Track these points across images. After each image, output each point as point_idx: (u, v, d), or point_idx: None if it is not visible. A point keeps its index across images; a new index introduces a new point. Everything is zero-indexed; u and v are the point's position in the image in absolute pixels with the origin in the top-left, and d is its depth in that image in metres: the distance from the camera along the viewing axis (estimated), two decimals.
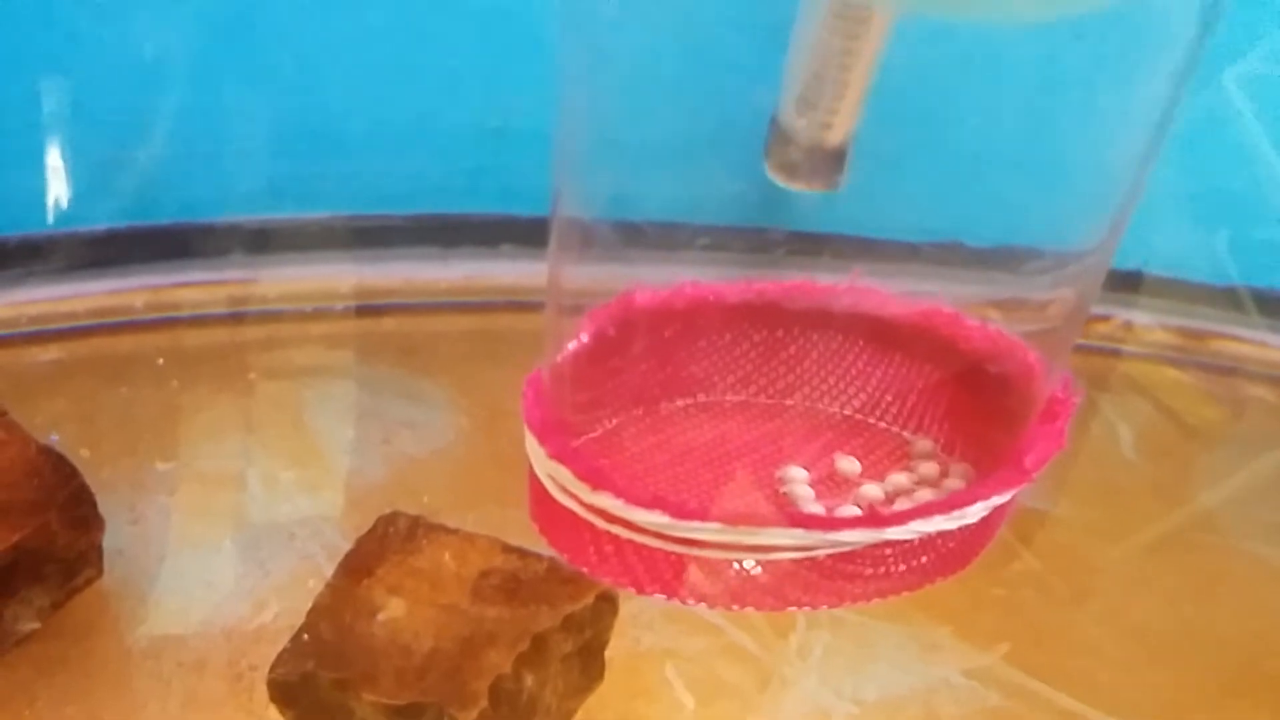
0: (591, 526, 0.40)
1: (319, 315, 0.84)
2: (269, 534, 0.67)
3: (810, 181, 0.63)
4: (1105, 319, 0.91)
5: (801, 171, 0.60)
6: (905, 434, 0.48)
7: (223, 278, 0.84)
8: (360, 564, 0.59)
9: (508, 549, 0.61)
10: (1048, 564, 0.71)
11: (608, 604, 0.61)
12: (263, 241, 0.85)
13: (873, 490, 0.44)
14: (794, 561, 0.39)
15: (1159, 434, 0.83)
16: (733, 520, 0.39)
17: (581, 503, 0.40)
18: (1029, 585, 0.70)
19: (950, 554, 0.42)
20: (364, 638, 0.55)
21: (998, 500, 0.42)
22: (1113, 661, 0.66)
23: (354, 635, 0.55)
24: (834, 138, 0.49)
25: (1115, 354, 0.90)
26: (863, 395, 0.49)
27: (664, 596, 0.40)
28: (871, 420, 0.48)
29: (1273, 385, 0.88)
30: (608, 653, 0.62)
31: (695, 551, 0.39)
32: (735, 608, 0.40)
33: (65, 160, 0.80)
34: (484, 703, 0.53)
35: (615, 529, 0.40)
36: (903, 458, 0.47)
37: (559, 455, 0.40)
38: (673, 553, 0.39)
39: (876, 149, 0.44)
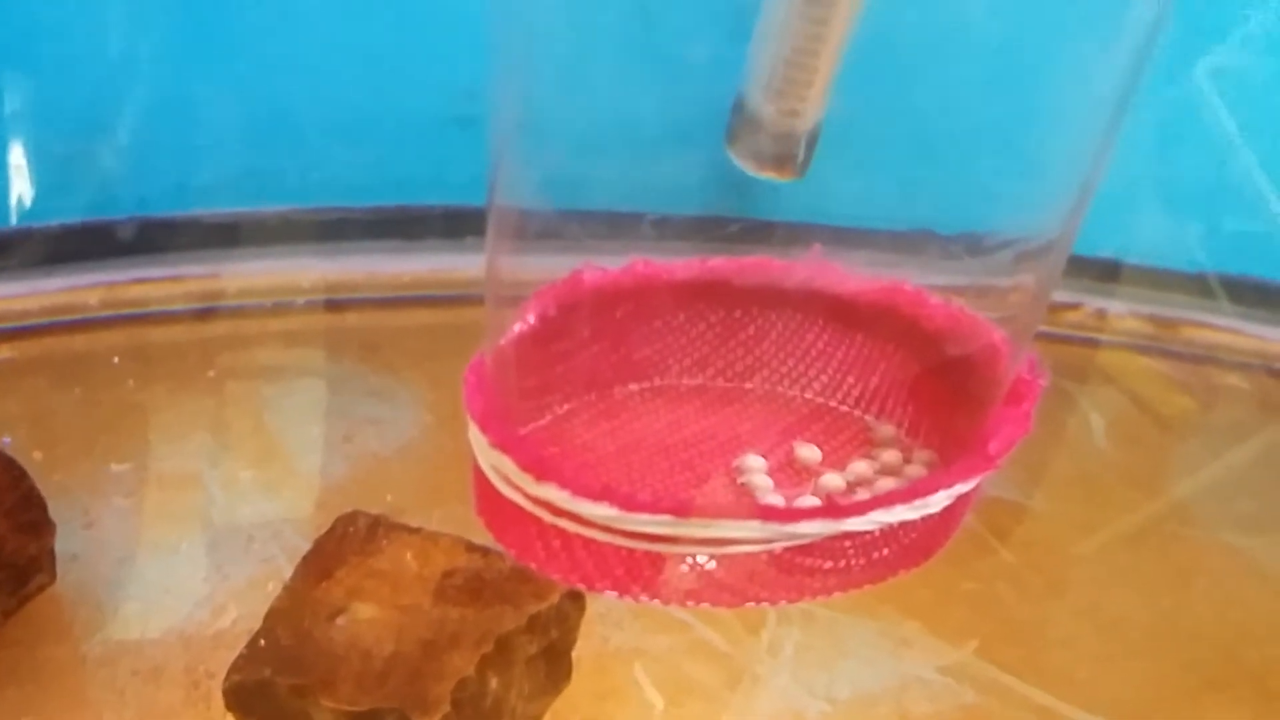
0: (538, 520, 0.38)
1: (280, 311, 0.82)
2: (228, 537, 0.66)
3: (778, 169, 0.62)
4: (1076, 307, 0.90)
5: (769, 159, 0.58)
6: (868, 418, 0.46)
7: (181, 274, 0.83)
8: (319, 566, 0.58)
9: (471, 548, 0.59)
10: (1021, 557, 0.70)
11: (574, 603, 0.60)
12: (222, 236, 0.83)
13: (833, 480, 0.43)
14: (751, 555, 0.38)
15: (1132, 423, 0.82)
16: (685, 512, 0.37)
17: (526, 495, 0.38)
18: (1002, 578, 0.69)
19: (913, 545, 0.40)
20: (322, 642, 0.54)
21: (961, 488, 0.40)
22: (1088, 655, 0.65)
23: (312, 640, 0.54)
24: (802, 124, 0.47)
25: (1087, 342, 0.90)
26: (824, 378, 0.47)
27: (615, 594, 0.38)
28: (833, 404, 0.47)
29: (1244, 373, 0.88)
30: (575, 652, 0.61)
31: (647, 545, 0.38)
32: (690, 604, 0.38)
33: (18, 157, 0.79)
34: (446, 707, 0.52)
35: (562, 522, 0.38)
36: (865, 444, 0.45)
37: (502, 444, 0.39)
38: (623, 547, 0.38)
39: (831, 134, 0.43)
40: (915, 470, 0.43)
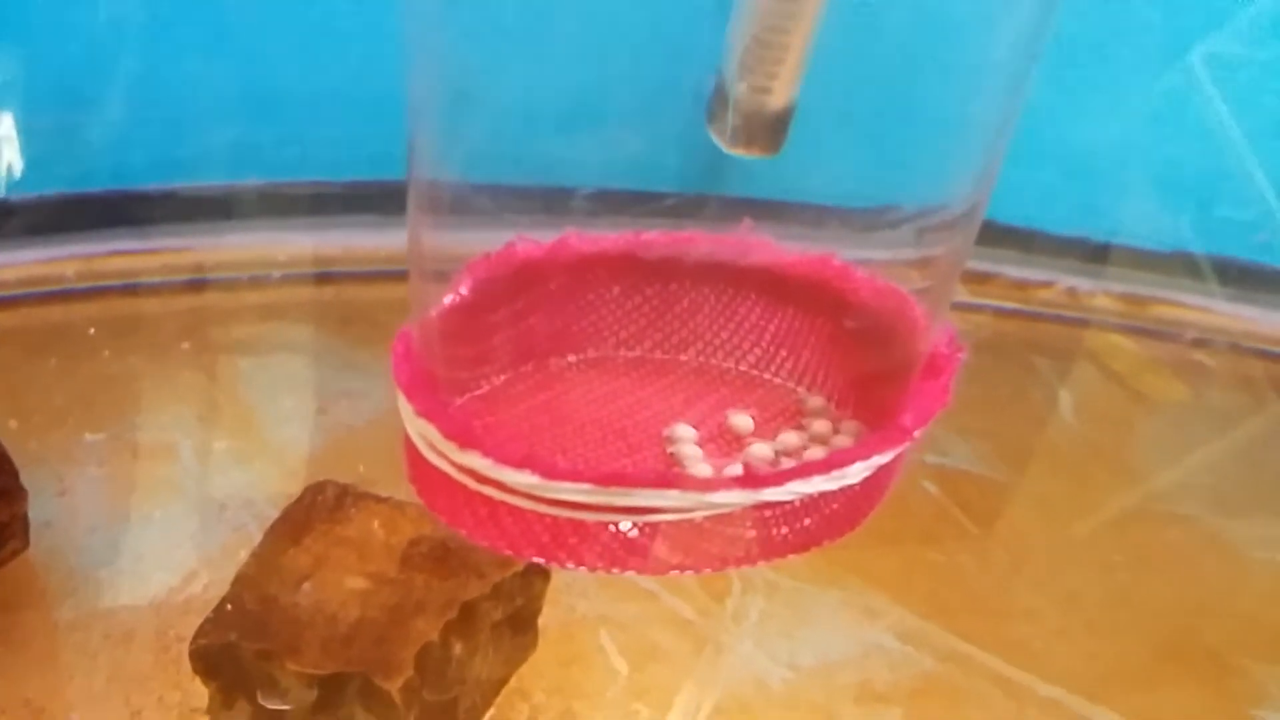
0: (464, 488, 0.39)
1: (256, 284, 0.83)
2: (200, 506, 0.67)
3: (749, 147, 0.63)
4: (1049, 285, 0.91)
5: (740, 137, 0.59)
6: (799, 390, 0.47)
7: (158, 247, 0.83)
8: (286, 533, 0.58)
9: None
10: (986, 530, 0.71)
11: (539, 572, 0.61)
12: (198, 209, 0.83)
13: (762, 449, 0.43)
14: (674, 524, 0.38)
15: (1101, 400, 0.83)
16: (604, 481, 0.38)
17: (452, 463, 0.39)
18: (966, 551, 0.70)
19: (836, 516, 0.41)
20: (288, 608, 0.55)
21: (879, 460, 0.41)
22: (1049, 628, 0.66)
23: (278, 605, 0.55)
24: (774, 103, 0.48)
25: (1059, 320, 0.91)
26: (757, 350, 0.48)
27: (542, 560, 0.39)
28: (766, 376, 0.47)
29: (1215, 351, 0.89)
30: (541, 621, 0.62)
31: (569, 514, 0.38)
32: (615, 571, 0.39)
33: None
34: (410, 671, 0.53)
35: (487, 490, 0.39)
36: (796, 415, 0.46)
37: (427, 413, 0.39)
38: (547, 515, 0.38)
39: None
40: (842, 441, 0.44)
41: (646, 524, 0.37)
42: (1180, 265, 0.89)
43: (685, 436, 0.43)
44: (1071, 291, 0.91)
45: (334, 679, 0.53)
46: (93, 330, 0.78)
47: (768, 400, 0.46)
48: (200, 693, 0.54)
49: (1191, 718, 0.62)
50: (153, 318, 0.79)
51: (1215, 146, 0.84)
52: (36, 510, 0.62)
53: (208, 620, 0.54)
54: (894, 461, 0.41)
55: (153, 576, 0.62)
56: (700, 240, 0.47)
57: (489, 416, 0.43)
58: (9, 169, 0.80)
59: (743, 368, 0.47)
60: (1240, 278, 0.90)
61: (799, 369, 0.47)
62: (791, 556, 0.40)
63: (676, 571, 0.38)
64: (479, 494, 0.38)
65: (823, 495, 0.39)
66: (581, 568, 0.38)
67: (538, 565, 0.60)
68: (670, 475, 0.39)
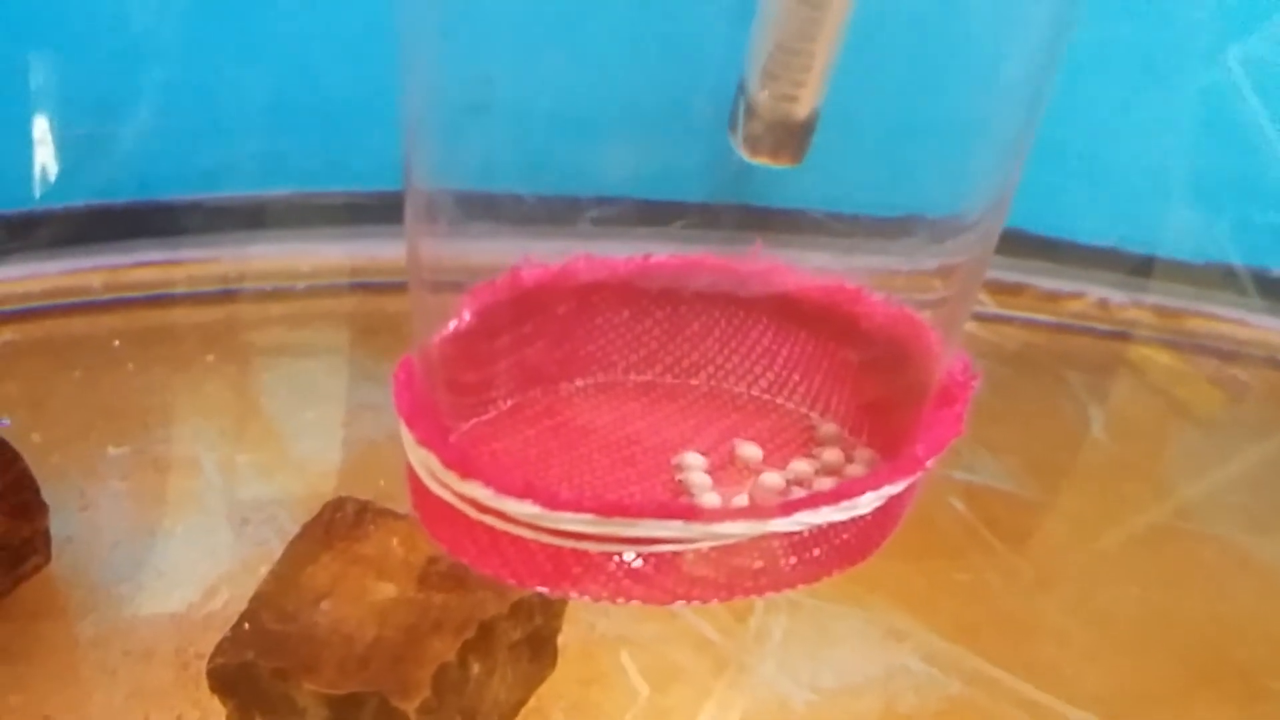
0: (466, 517, 0.39)
1: (279, 295, 0.83)
2: (222, 520, 0.67)
3: (774, 156, 0.62)
4: (1079, 296, 0.90)
5: (764, 146, 0.58)
6: (812, 416, 0.46)
7: (181, 258, 0.83)
8: (305, 551, 0.58)
9: None
10: (1013, 548, 0.70)
11: None
12: (222, 221, 0.84)
13: (772, 479, 0.42)
14: (680, 554, 0.38)
15: (1133, 414, 0.82)
16: (607, 511, 0.37)
17: (453, 492, 0.38)
18: (993, 570, 0.69)
19: (846, 546, 0.40)
20: (306, 626, 0.55)
21: (890, 490, 0.40)
22: (1078, 649, 0.65)
23: (296, 624, 0.55)
24: (799, 112, 0.47)
25: (1090, 332, 0.89)
26: (769, 375, 0.47)
27: (546, 590, 0.38)
28: (778, 401, 0.46)
29: (1251, 364, 0.87)
30: (561, 640, 0.62)
31: (571, 544, 0.37)
32: (620, 602, 0.38)
33: (19, 142, 0.79)
34: (427, 692, 0.53)
35: (488, 519, 0.38)
36: (808, 442, 0.45)
37: (427, 441, 0.39)
38: (550, 544, 0.38)
39: None
40: (855, 470, 0.43)
41: (651, 554, 0.37)
42: (1215, 276, 0.87)
43: (694, 464, 0.42)
44: (1103, 303, 0.90)
45: (350, 699, 0.53)
46: (117, 342, 0.78)
47: (779, 426, 0.45)
48: (219, 711, 0.54)
49: None
50: (178, 329, 0.80)
51: (1253, 154, 0.82)
52: (58, 525, 0.62)
53: (225, 639, 0.54)
54: (906, 491, 0.40)
55: (174, 592, 0.62)
56: (710, 263, 0.46)
57: (495, 443, 0.43)
58: (43, 174, 0.81)
59: (755, 392, 0.47)
60: (1278, 289, 0.88)
61: (812, 394, 0.46)
62: (801, 587, 0.39)
63: (683, 602, 0.38)
64: (480, 523, 0.38)
65: (832, 525, 0.38)
66: (585, 597, 0.37)
67: None
68: (674, 506, 0.38)
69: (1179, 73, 0.85)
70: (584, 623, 0.63)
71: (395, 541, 0.59)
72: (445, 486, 0.38)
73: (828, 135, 0.42)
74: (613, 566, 0.37)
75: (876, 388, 0.44)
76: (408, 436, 0.39)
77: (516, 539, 0.37)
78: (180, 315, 0.81)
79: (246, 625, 0.55)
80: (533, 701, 0.59)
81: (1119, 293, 0.90)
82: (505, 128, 0.42)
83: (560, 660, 0.61)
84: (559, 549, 0.37)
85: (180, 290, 0.82)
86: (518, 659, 0.59)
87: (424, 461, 0.39)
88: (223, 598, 0.62)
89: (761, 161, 0.56)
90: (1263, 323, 0.88)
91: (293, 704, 0.53)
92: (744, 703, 0.60)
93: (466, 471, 0.37)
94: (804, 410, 0.46)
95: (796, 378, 0.46)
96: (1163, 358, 0.87)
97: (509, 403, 0.44)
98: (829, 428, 0.45)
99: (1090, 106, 0.87)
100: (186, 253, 0.83)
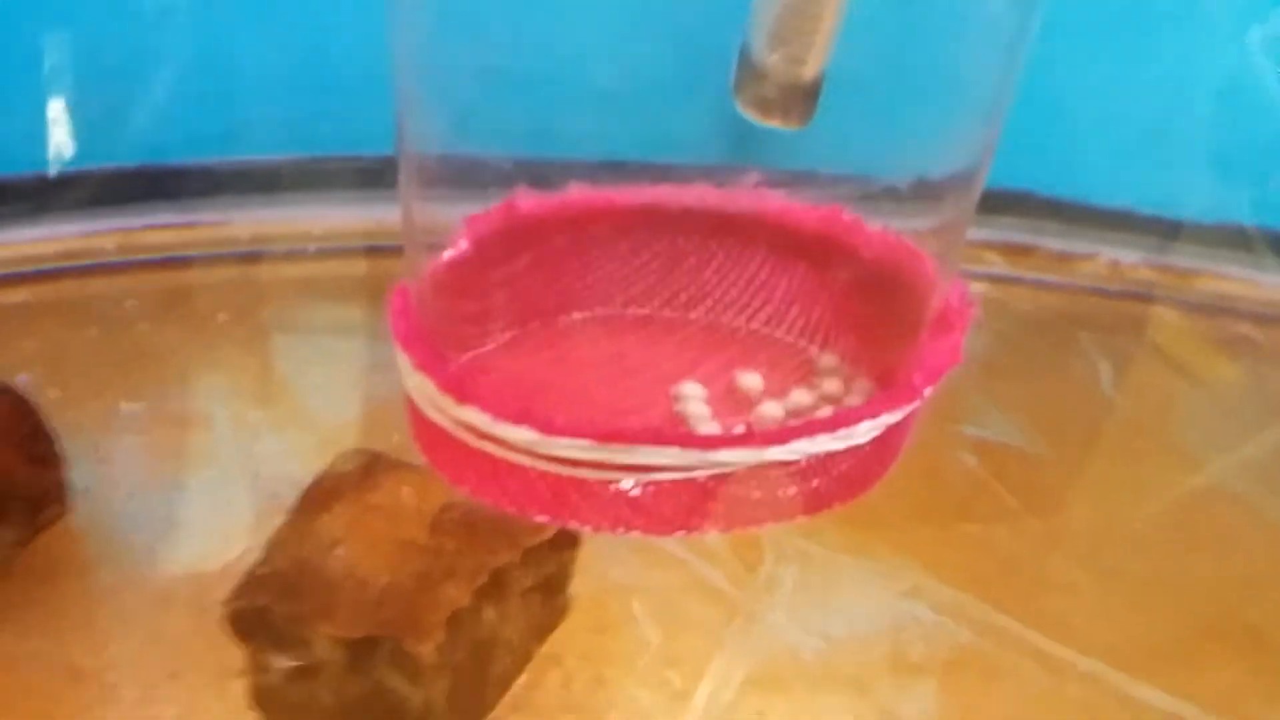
0: (465, 444, 0.39)
1: (292, 257, 0.84)
2: (236, 473, 0.67)
3: (784, 118, 0.62)
4: (1091, 257, 0.90)
5: (775, 108, 0.58)
6: (811, 348, 0.46)
7: (195, 220, 0.84)
8: (318, 500, 0.59)
9: None
10: (1023, 502, 0.70)
11: (569, 540, 0.61)
12: (234, 184, 0.84)
13: (772, 409, 0.42)
14: (679, 483, 0.38)
15: (1145, 374, 0.82)
16: (603, 437, 0.37)
17: (450, 418, 0.38)
18: (1003, 523, 0.69)
19: (845, 477, 0.40)
20: (320, 572, 0.55)
21: (888, 419, 0.40)
22: (1087, 601, 0.65)
23: (310, 570, 0.55)
24: (806, 73, 0.47)
25: (1101, 293, 0.89)
26: (768, 308, 0.47)
27: (546, 518, 0.38)
28: (778, 334, 0.46)
29: (1263, 324, 0.87)
30: (573, 588, 0.62)
31: (569, 471, 0.38)
32: (619, 531, 0.38)
33: (35, 105, 0.80)
34: (440, 636, 0.53)
35: (486, 446, 0.38)
36: (807, 374, 0.45)
37: (424, 366, 0.39)
38: (549, 472, 0.38)
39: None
40: (854, 401, 0.43)
41: (650, 483, 0.37)
42: (1227, 237, 0.87)
43: (693, 395, 0.42)
44: (1114, 264, 0.90)
45: (365, 642, 0.53)
46: (132, 302, 0.78)
47: (779, 358, 0.45)
48: (237, 655, 0.55)
49: (1233, 695, 0.61)
50: (190, 290, 0.80)
51: (1266, 114, 0.82)
52: (76, 477, 0.63)
53: (241, 584, 0.55)
54: (905, 421, 0.40)
55: (189, 542, 0.63)
56: (707, 195, 0.46)
57: (494, 373, 0.43)
58: (58, 139, 0.82)
59: (754, 325, 0.47)
60: None
61: (811, 326, 0.46)
62: (802, 520, 0.39)
63: (682, 532, 0.38)
64: (479, 450, 0.38)
65: (831, 455, 0.38)
66: (586, 527, 0.38)
67: (568, 532, 0.60)
68: (670, 432, 0.38)
69: (1193, 34, 0.85)
70: (596, 571, 0.63)
71: (407, 491, 0.60)
72: (442, 412, 0.38)
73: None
74: (611, 495, 0.37)
75: (875, 318, 0.44)
76: (404, 363, 0.39)
77: (515, 466, 0.37)
78: (193, 277, 0.82)
79: (262, 571, 0.55)
80: (545, 648, 0.60)
81: (1131, 253, 0.90)
82: (502, 91, 0.42)
83: (573, 608, 0.61)
84: (557, 477, 0.37)
85: (193, 253, 0.83)
86: (530, 606, 0.59)
87: (420, 387, 0.39)
88: (238, 547, 0.62)
89: (772, 124, 0.56)
90: (1275, 282, 0.88)
91: (309, 646, 0.54)
92: (754, 651, 0.61)
93: (463, 396, 0.37)
94: (803, 342, 0.46)
95: (795, 310, 0.46)
96: (1174, 317, 0.87)
97: (508, 335, 0.45)
98: (828, 359, 0.46)
99: (1102, 68, 0.87)
100: (200, 216, 0.84)
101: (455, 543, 0.57)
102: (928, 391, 0.40)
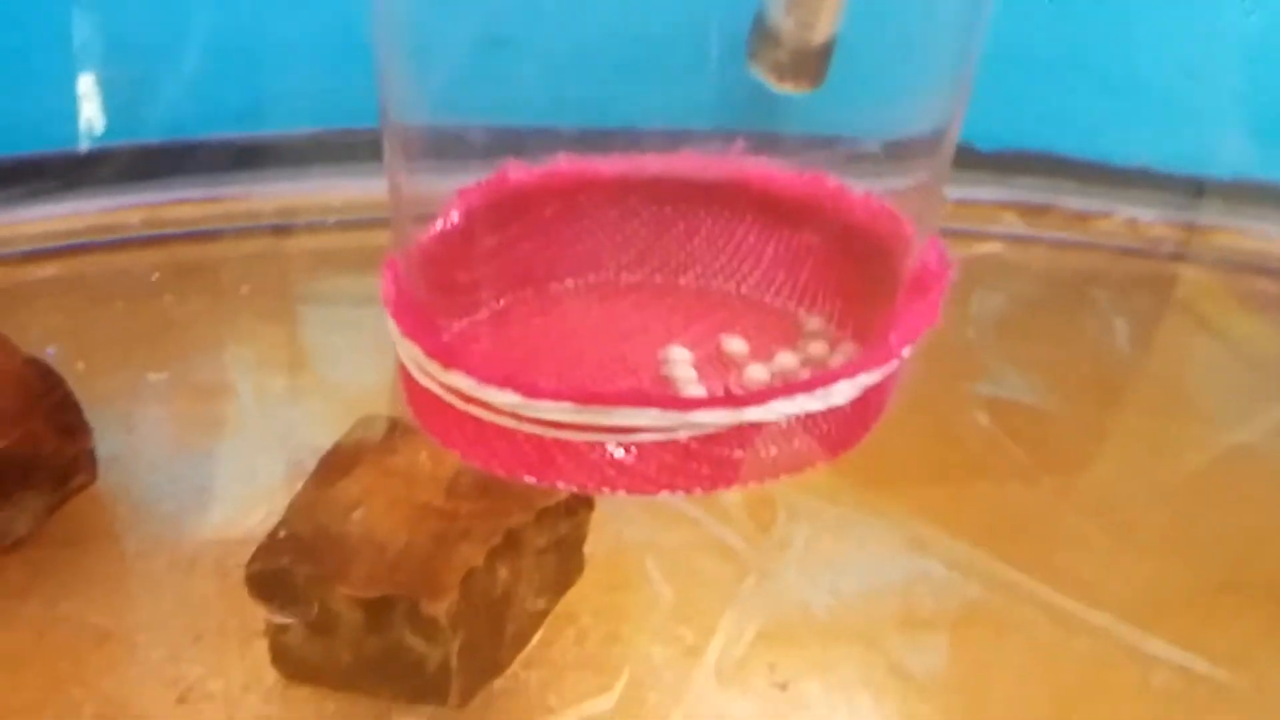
0: (454, 408, 0.40)
1: (313, 229, 0.85)
2: (259, 441, 0.69)
3: (796, 81, 0.63)
4: (1108, 215, 0.89)
5: (788, 72, 0.59)
6: (799, 312, 0.47)
7: (218, 194, 0.85)
8: (337, 464, 0.60)
9: None
10: (1036, 459, 0.71)
11: (583, 501, 0.62)
12: (255, 157, 0.85)
13: (758, 371, 0.43)
14: (662, 444, 0.38)
15: (1159, 329, 0.82)
16: (584, 400, 0.38)
17: (438, 382, 0.40)
18: (1015, 479, 0.69)
19: (827, 436, 0.40)
20: (338, 534, 0.57)
21: (866, 380, 0.40)
22: (1099, 555, 0.66)
23: (329, 532, 0.57)
24: (818, 36, 0.48)
25: (1118, 250, 0.89)
26: (757, 273, 0.48)
27: (534, 480, 0.40)
28: (766, 298, 0.47)
29: (1274, 278, 0.86)
30: (588, 548, 0.63)
31: (553, 433, 0.39)
32: (605, 491, 0.39)
33: (59, 82, 0.81)
34: (455, 595, 0.54)
35: (474, 410, 0.39)
36: (794, 337, 0.46)
37: (412, 332, 0.40)
38: (534, 435, 0.39)
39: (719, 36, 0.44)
40: (838, 362, 0.43)
41: (634, 444, 0.38)
42: (1246, 192, 0.87)
43: (680, 359, 0.43)
44: (1132, 222, 0.89)
45: (381, 602, 0.55)
46: (156, 276, 0.80)
47: (767, 322, 0.46)
48: (259, 617, 0.56)
49: (1246, 649, 0.61)
50: (213, 263, 0.82)
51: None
52: (103, 446, 0.65)
53: (261, 546, 0.56)
54: (886, 381, 0.41)
55: (214, 508, 0.65)
56: (693, 161, 0.47)
57: (487, 340, 0.44)
58: (89, 125, 0.83)
59: (743, 290, 0.47)
60: None
61: (798, 290, 0.47)
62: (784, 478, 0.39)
63: (666, 492, 0.39)
64: (467, 414, 0.39)
65: (812, 416, 0.39)
66: (572, 487, 0.39)
67: (581, 494, 0.61)
68: (651, 394, 0.39)
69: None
70: (611, 532, 0.64)
71: (424, 455, 0.61)
72: (430, 377, 0.39)
73: None
74: (596, 456, 0.38)
75: (859, 281, 0.45)
76: (395, 330, 0.40)
77: (502, 429, 0.38)
78: (217, 250, 0.83)
79: (282, 534, 0.57)
80: (560, 606, 0.61)
81: (1148, 211, 0.89)
82: (487, 59, 0.43)
83: (587, 567, 0.63)
84: (543, 439, 0.38)
85: (216, 226, 0.84)
86: (545, 566, 0.60)
87: (410, 354, 0.40)
88: (261, 512, 0.63)
89: (785, 88, 0.57)
90: None
91: (327, 607, 0.55)
92: (765, 607, 0.62)
93: (449, 361, 0.38)
94: (791, 306, 0.47)
95: (783, 275, 0.47)
96: (1190, 273, 0.87)
97: (501, 302, 0.46)
98: (814, 322, 0.46)
99: (1117, 26, 0.86)
100: (223, 190, 0.85)
101: (470, 505, 0.59)
102: (905, 352, 0.41)
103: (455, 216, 0.44)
